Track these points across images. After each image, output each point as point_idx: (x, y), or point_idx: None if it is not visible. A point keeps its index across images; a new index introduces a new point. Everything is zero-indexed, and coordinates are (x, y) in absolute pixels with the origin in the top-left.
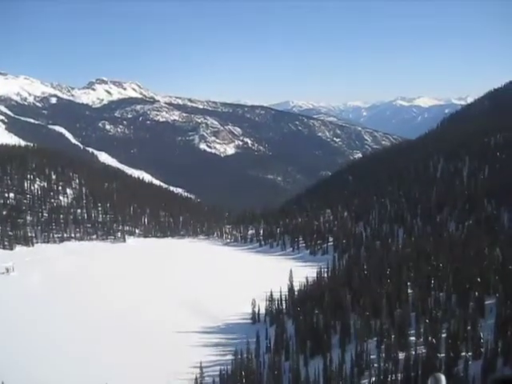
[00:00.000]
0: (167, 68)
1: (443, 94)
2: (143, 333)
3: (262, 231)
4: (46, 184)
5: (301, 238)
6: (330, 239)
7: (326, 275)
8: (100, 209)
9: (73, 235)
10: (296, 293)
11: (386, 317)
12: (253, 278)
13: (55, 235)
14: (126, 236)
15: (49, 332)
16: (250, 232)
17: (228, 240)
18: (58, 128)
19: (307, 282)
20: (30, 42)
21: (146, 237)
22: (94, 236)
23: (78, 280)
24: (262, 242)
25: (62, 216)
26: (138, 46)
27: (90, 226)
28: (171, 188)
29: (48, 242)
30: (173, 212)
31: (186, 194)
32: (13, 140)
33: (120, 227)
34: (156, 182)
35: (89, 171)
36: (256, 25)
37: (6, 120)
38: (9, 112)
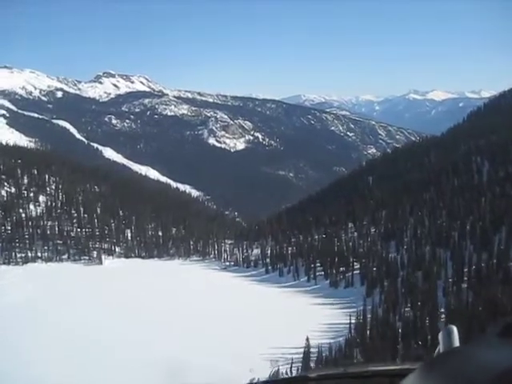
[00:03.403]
0: (176, 61)
1: (456, 88)
2: None
3: (269, 251)
4: (15, 190)
5: (318, 264)
6: (356, 265)
7: (356, 336)
8: (75, 221)
9: (39, 255)
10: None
11: None
12: (254, 328)
13: (18, 254)
14: (104, 256)
15: None
16: (254, 252)
17: (227, 263)
18: (62, 123)
19: (330, 352)
20: (36, 36)
21: (127, 257)
22: (66, 256)
23: (21, 319)
24: (269, 267)
25: (29, 230)
26: (146, 40)
27: (61, 242)
28: (178, 185)
29: (9, 263)
30: (164, 224)
31: (192, 191)
32: (14, 136)
33: (97, 244)
34: (162, 178)
35: (71, 173)
36: (267, 18)
37: (7, 115)
38: (12, 106)
